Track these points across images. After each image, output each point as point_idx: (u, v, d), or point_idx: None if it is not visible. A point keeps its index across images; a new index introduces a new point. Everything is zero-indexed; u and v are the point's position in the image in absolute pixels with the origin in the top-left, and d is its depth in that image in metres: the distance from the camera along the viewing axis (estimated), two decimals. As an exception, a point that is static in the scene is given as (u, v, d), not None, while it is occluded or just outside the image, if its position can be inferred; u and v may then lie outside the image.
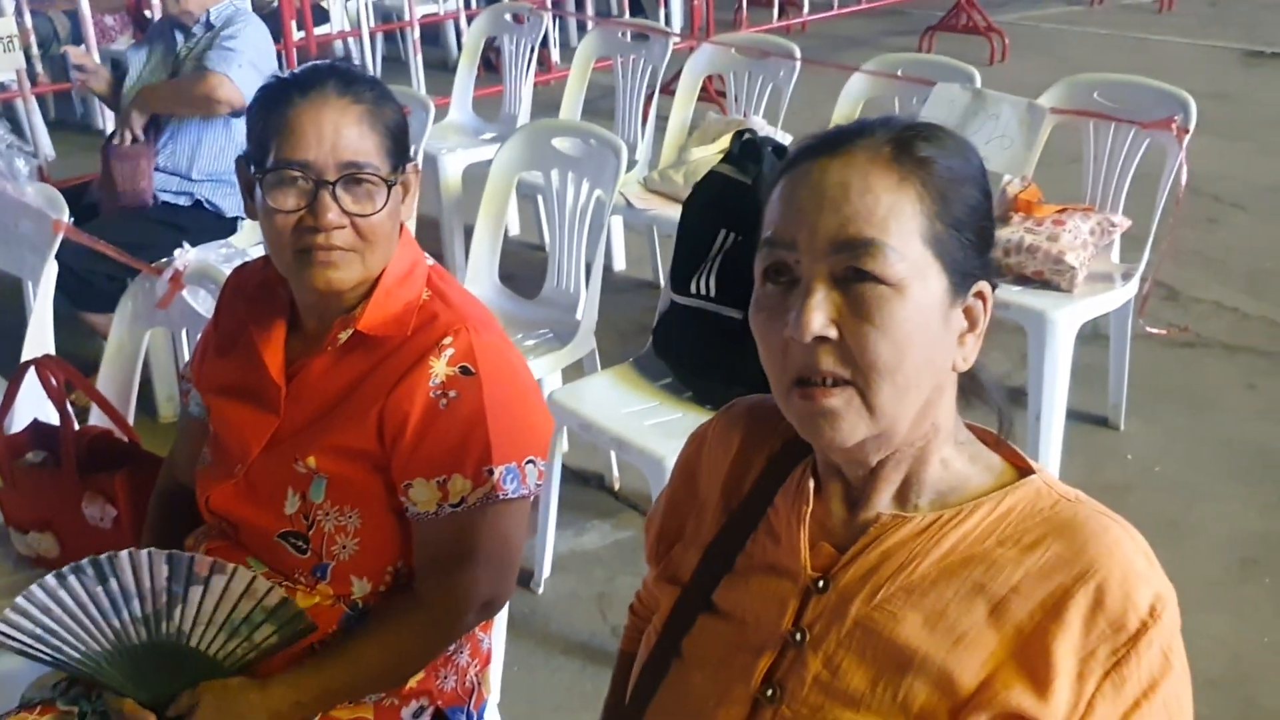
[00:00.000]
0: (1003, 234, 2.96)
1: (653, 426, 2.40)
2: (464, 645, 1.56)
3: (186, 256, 2.05)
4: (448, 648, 1.52)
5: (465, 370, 1.41)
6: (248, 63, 3.23)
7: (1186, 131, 2.86)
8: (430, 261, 1.54)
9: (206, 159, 3.31)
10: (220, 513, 1.52)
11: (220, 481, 1.52)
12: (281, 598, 1.40)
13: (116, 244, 2.65)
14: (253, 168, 1.41)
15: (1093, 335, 3.17)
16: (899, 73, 3.42)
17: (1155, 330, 3.60)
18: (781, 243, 0.95)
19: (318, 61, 1.46)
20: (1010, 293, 2.89)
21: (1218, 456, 3.10)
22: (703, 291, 2.53)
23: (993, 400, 1.05)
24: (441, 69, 6.96)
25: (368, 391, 1.43)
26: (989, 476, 1.01)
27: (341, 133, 1.37)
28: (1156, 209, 2.92)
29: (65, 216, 2.40)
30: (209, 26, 3.33)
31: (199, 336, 1.69)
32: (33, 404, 2.00)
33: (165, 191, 3.29)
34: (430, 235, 4.12)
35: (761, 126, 3.66)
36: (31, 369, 1.91)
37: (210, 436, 1.59)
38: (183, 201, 3.32)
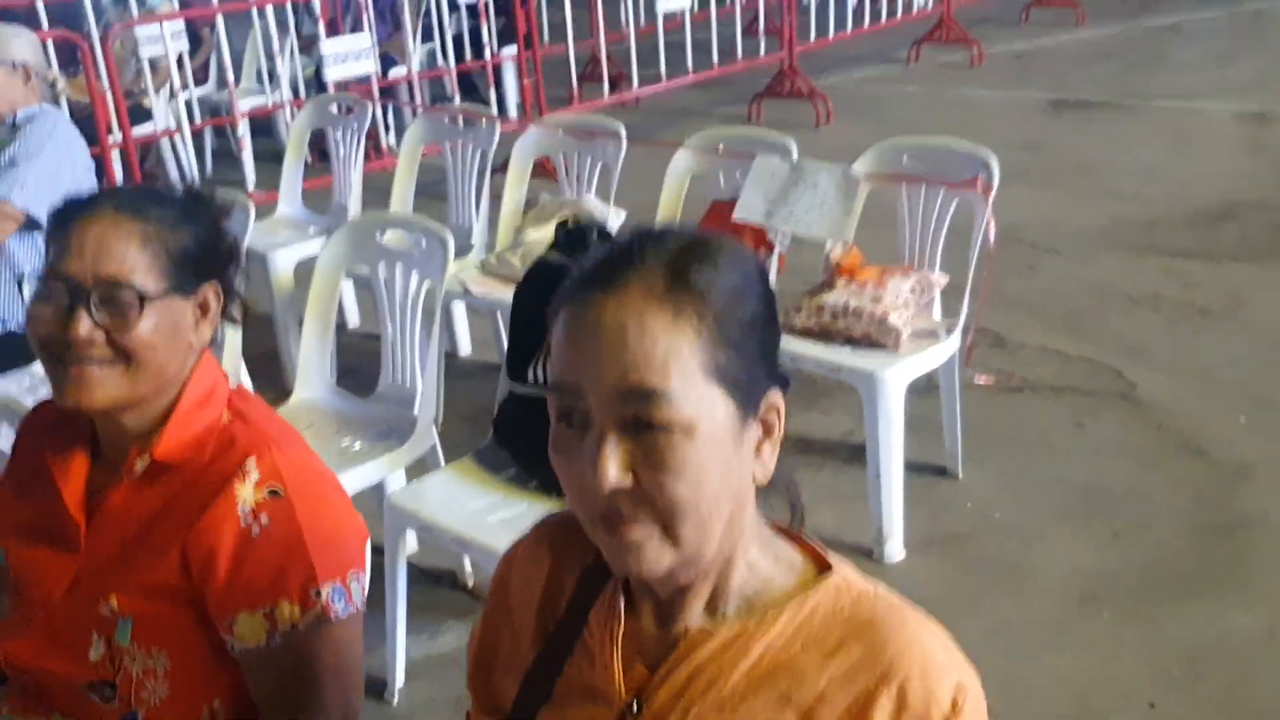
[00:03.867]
0: (829, 298, 3.05)
1: (498, 523, 2.37)
2: None
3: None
4: None
5: (274, 493, 1.38)
6: (36, 174, 3.09)
7: (991, 188, 2.99)
8: (234, 385, 1.51)
9: (15, 287, 3.18)
10: (21, 666, 1.45)
11: (20, 633, 1.45)
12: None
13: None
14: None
15: (926, 387, 3.27)
16: (720, 148, 3.49)
17: (982, 380, 3.73)
18: (568, 389, 0.95)
19: (126, 185, 1.45)
20: (841, 355, 2.97)
21: (1051, 497, 3.21)
22: (540, 379, 2.53)
23: (787, 494, 1.07)
24: (274, 160, 6.85)
25: (169, 524, 1.39)
26: (792, 576, 1.03)
27: (106, 248, 1.36)
28: (970, 263, 3.03)
29: None
30: (13, 127, 3.21)
31: None
32: None
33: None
34: (265, 334, 4.04)
35: (595, 205, 3.71)
36: None
37: (9, 585, 1.51)
38: (-9, 332, 3.19)
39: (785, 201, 3.24)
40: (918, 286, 3.07)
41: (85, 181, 3.28)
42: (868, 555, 3.00)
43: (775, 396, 0.99)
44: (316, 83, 6.78)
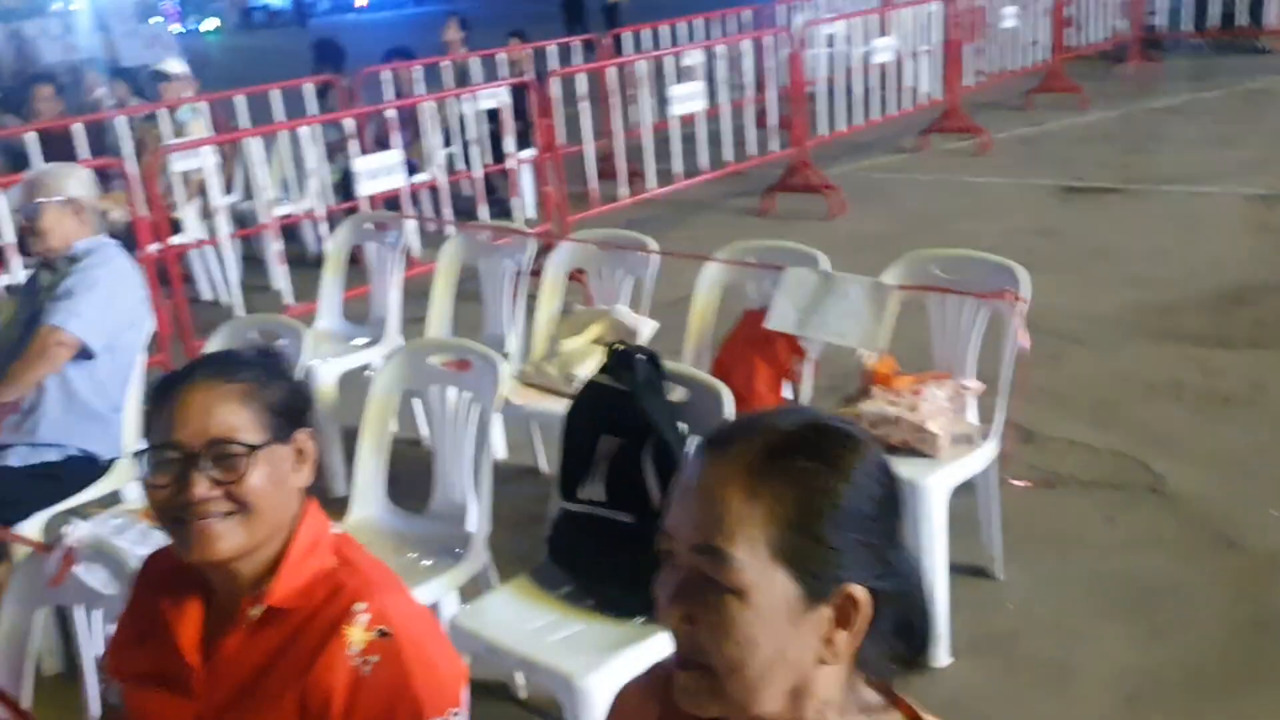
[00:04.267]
0: (866, 407, 3.13)
1: (558, 643, 2.43)
2: None
3: (78, 532, 2.04)
4: None
5: (383, 633, 1.47)
6: (91, 304, 3.23)
7: (1019, 299, 3.08)
8: (336, 529, 1.60)
9: (74, 413, 3.29)
10: None
11: None
12: None
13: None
14: (140, 456, 1.52)
15: (963, 485, 3.34)
16: (751, 259, 3.60)
17: (1019, 483, 3.79)
18: (665, 533, 1.08)
19: (211, 354, 1.57)
20: (881, 463, 3.03)
21: (1091, 594, 3.26)
22: (592, 497, 2.61)
23: (882, 673, 1.14)
24: (299, 264, 7.01)
25: (284, 669, 1.47)
26: None
27: (210, 411, 1.49)
28: (1002, 373, 3.12)
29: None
30: (72, 260, 3.34)
31: (113, 625, 1.71)
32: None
33: (40, 450, 3.25)
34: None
35: (627, 315, 3.81)
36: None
37: None
38: (52, 456, 3.28)
39: (817, 310, 3.34)
40: (954, 393, 3.15)
41: (138, 311, 3.40)
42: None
43: (856, 590, 1.04)
44: (342, 189, 6.96)
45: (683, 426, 2.52)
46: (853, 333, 3.28)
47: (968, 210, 7.25)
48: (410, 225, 4.34)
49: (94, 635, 2.06)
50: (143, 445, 1.53)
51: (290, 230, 7.47)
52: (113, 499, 3.50)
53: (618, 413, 2.56)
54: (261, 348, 1.67)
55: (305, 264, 6.92)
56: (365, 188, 5.47)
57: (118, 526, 2.06)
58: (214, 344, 3.33)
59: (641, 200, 7.69)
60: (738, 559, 1.01)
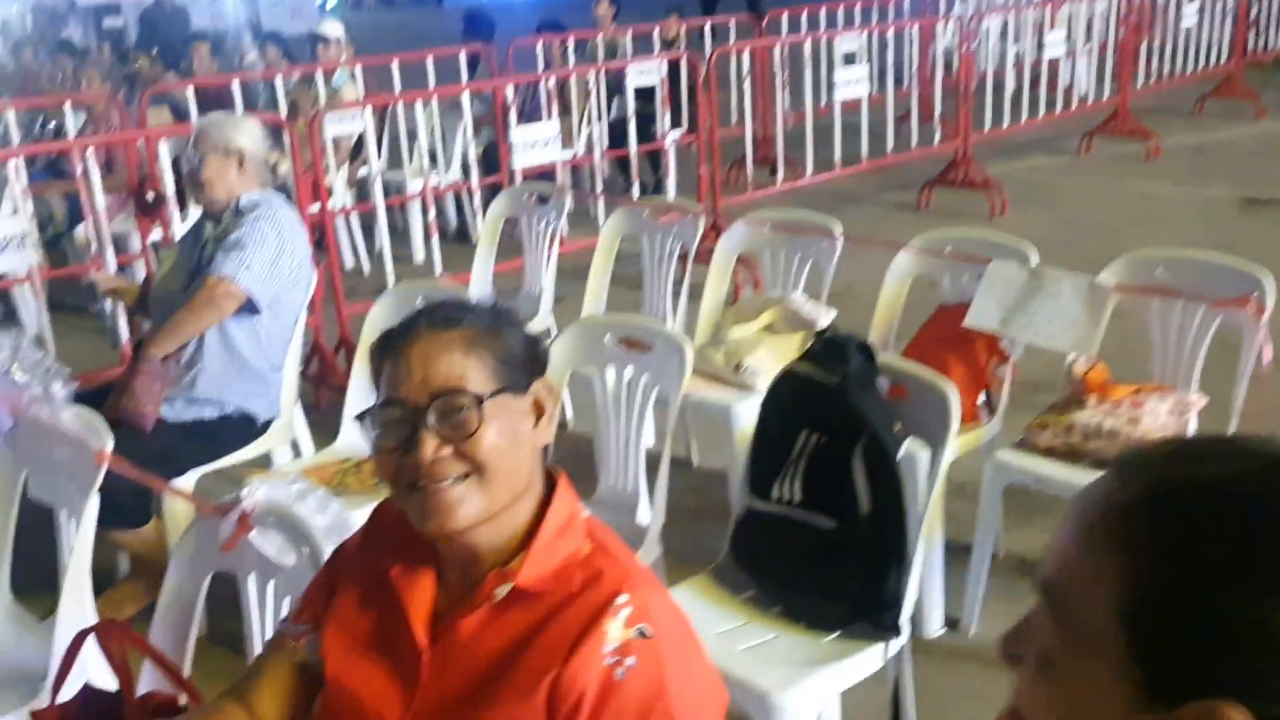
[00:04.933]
0: (1080, 417, 2.85)
1: (747, 652, 2.22)
2: None
3: (255, 495, 1.88)
4: None
5: (642, 632, 1.27)
6: (261, 259, 3.11)
7: (1265, 309, 2.77)
8: (586, 512, 1.40)
9: (234, 370, 3.18)
10: None
11: None
12: None
13: (141, 457, 2.49)
14: (363, 414, 1.36)
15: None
16: (947, 250, 3.33)
17: None
18: None
19: (432, 299, 1.42)
20: (1089, 479, 2.75)
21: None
22: (787, 498, 2.38)
23: None
24: (440, 236, 6.94)
25: (536, 658, 1.28)
26: None
27: (433, 362, 1.33)
28: (1237, 390, 2.81)
29: (108, 445, 2.23)
30: (238, 212, 3.22)
31: (317, 573, 1.56)
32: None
33: (197, 406, 3.15)
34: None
35: (803, 304, 3.57)
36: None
37: (328, 703, 1.43)
38: (209, 413, 3.17)
39: (1024, 310, 3.06)
40: (1176, 408, 2.86)
41: (303, 270, 3.27)
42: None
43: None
44: (485, 163, 6.85)
45: (898, 428, 2.28)
46: (1064, 336, 3.00)
47: (1139, 219, 6.83)
48: (565, 200, 4.14)
49: (266, 607, 1.90)
50: (364, 408, 1.36)
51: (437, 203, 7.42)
52: (264, 461, 3.39)
53: (823, 407, 2.33)
54: (492, 304, 1.47)
55: (445, 238, 6.85)
56: (521, 159, 5.31)
57: (297, 492, 1.90)
58: (378, 310, 3.19)
59: (790, 189, 7.43)
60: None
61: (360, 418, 1.35)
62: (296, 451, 3.50)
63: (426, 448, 1.29)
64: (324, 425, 3.60)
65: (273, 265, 3.13)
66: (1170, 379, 2.98)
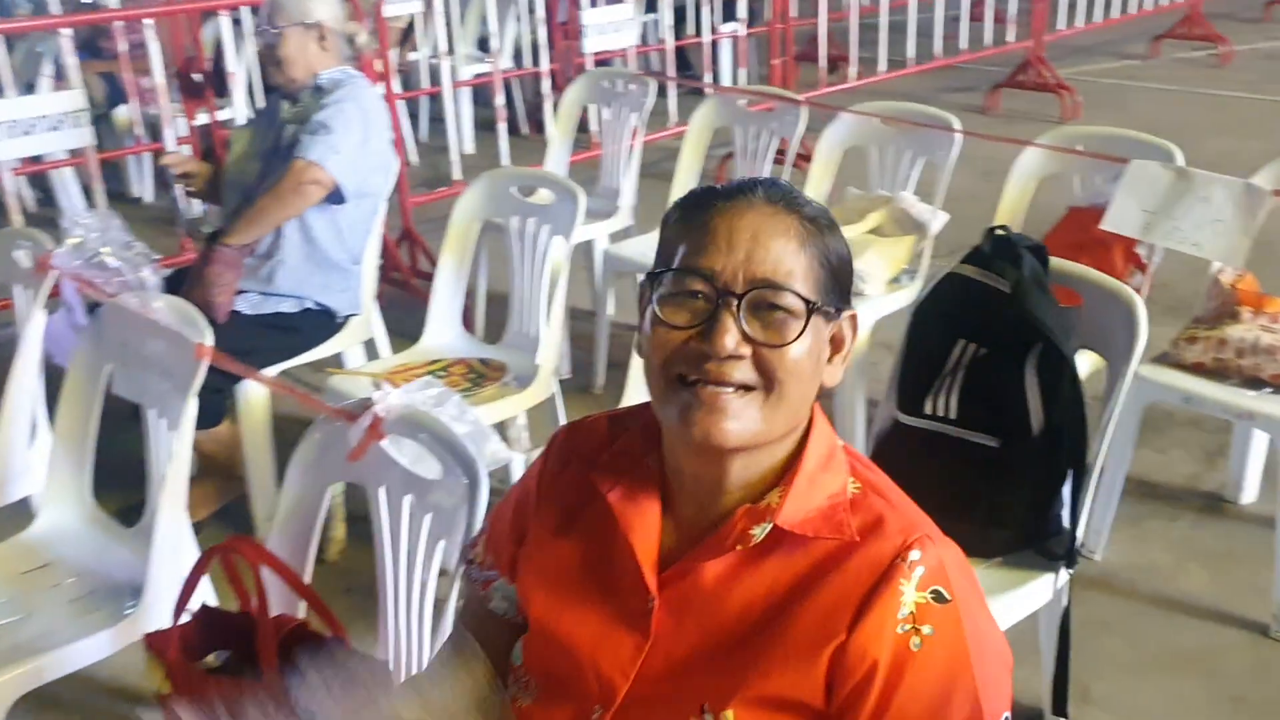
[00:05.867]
0: (1233, 332, 2.63)
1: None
2: None
3: (389, 400, 1.68)
4: None
5: (939, 596, 1.06)
6: (350, 144, 2.87)
7: None
8: (841, 442, 1.19)
9: (314, 261, 2.96)
10: None
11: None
12: None
13: (219, 350, 2.29)
14: (647, 280, 1.13)
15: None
16: (1079, 147, 3.08)
17: None
18: None
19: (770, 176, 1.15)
20: (1255, 400, 2.55)
21: None
22: (941, 413, 2.18)
23: None
24: (488, 129, 6.68)
25: (810, 619, 1.07)
26: None
27: (761, 241, 1.08)
28: None
29: (209, 339, 2.03)
30: (318, 90, 2.97)
31: (502, 501, 1.33)
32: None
33: (274, 300, 2.95)
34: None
35: (914, 204, 3.34)
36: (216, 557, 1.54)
37: (533, 651, 1.23)
38: (288, 307, 2.96)
39: (1169, 215, 2.82)
40: (1337, 324, 2.64)
41: (388, 154, 3.04)
42: (1263, 632, 2.59)
43: None
44: (531, 52, 6.54)
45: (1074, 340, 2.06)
46: (1213, 244, 2.76)
47: (1217, 126, 6.52)
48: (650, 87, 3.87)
49: (400, 526, 1.70)
50: (662, 267, 1.12)
51: (481, 93, 7.12)
52: (337, 361, 3.19)
53: (991, 315, 2.11)
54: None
55: (490, 129, 6.58)
56: (594, 43, 5.00)
57: (435, 397, 1.70)
58: (473, 197, 2.99)
59: (845, 90, 7.11)
60: None
61: (652, 276, 1.12)
62: (371, 352, 3.30)
63: (728, 337, 1.06)
64: (388, 324, 3.40)
65: (360, 150, 2.89)
66: (1326, 293, 2.77)
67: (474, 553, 1.32)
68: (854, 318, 1.15)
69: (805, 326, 1.08)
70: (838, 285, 1.12)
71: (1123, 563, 2.83)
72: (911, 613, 1.05)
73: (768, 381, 1.08)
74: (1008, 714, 1.08)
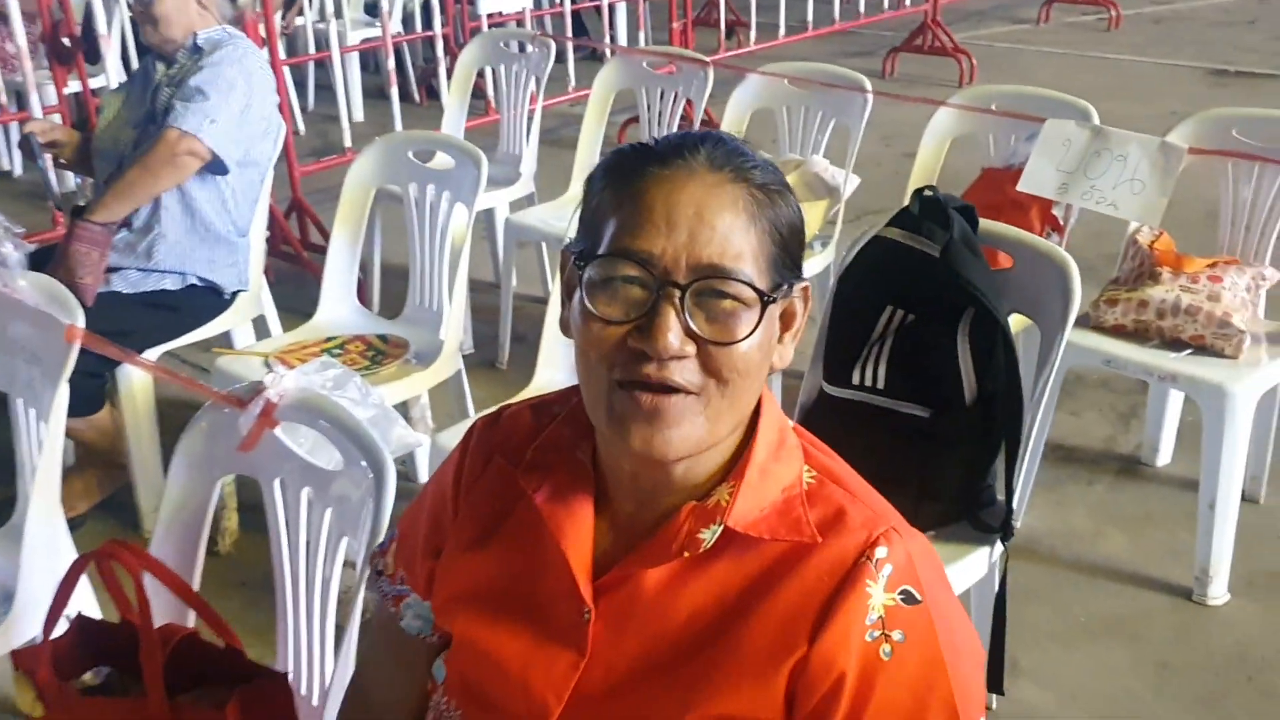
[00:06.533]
0: (1154, 293, 2.60)
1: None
2: None
3: (283, 383, 1.52)
4: None
5: (909, 597, 0.95)
6: (227, 111, 2.67)
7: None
8: (792, 423, 1.07)
9: (196, 235, 2.76)
10: None
11: None
12: None
13: (94, 332, 2.10)
14: (576, 259, 0.96)
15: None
16: (993, 106, 3.02)
17: None
18: None
19: (691, 131, 1.00)
20: (1177, 362, 2.52)
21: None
22: (869, 383, 2.09)
23: None
24: (378, 97, 6.47)
25: (767, 629, 0.95)
26: None
27: (706, 219, 0.92)
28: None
29: (80, 320, 1.84)
30: (196, 51, 2.76)
31: (413, 506, 1.18)
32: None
33: (155, 276, 2.74)
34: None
35: (824, 167, 3.25)
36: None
37: (456, 669, 1.09)
38: (170, 284, 2.76)
39: (1085, 175, 2.77)
40: (1252, 284, 2.62)
41: (273, 119, 2.84)
42: (1185, 596, 2.57)
43: None
44: (423, 16, 6.33)
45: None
46: (1128, 204, 2.72)
47: (1112, 89, 6.58)
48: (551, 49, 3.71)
49: (298, 522, 1.56)
50: (585, 254, 0.96)
51: (369, 60, 6.91)
52: (226, 340, 3.00)
53: (917, 279, 2.02)
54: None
55: (383, 96, 6.38)
56: (488, 4, 4.82)
57: (334, 379, 1.55)
58: (366, 163, 2.82)
59: (743, 55, 7.02)
60: None
61: (580, 260, 0.96)
62: (261, 330, 3.11)
63: (670, 334, 0.91)
64: (277, 300, 3.21)
65: (241, 117, 2.69)
66: (1239, 252, 2.75)
67: (382, 562, 1.18)
68: (806, 289, 1.02)
69: (759, 321, 0.94)
70: (790, 257, 0.98)
71: (1044, 529, 2.80)
72: (880, 617, 0.93)
73: (715, 382, 0.94)
74: (983, 716, 0.98)
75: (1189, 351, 2.55)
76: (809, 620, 0.93)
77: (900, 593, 0.94)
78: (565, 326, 1.00)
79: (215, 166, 2.68)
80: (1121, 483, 3.00)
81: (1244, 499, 2.86)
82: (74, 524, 2.32)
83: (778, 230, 0.96)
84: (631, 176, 0.95)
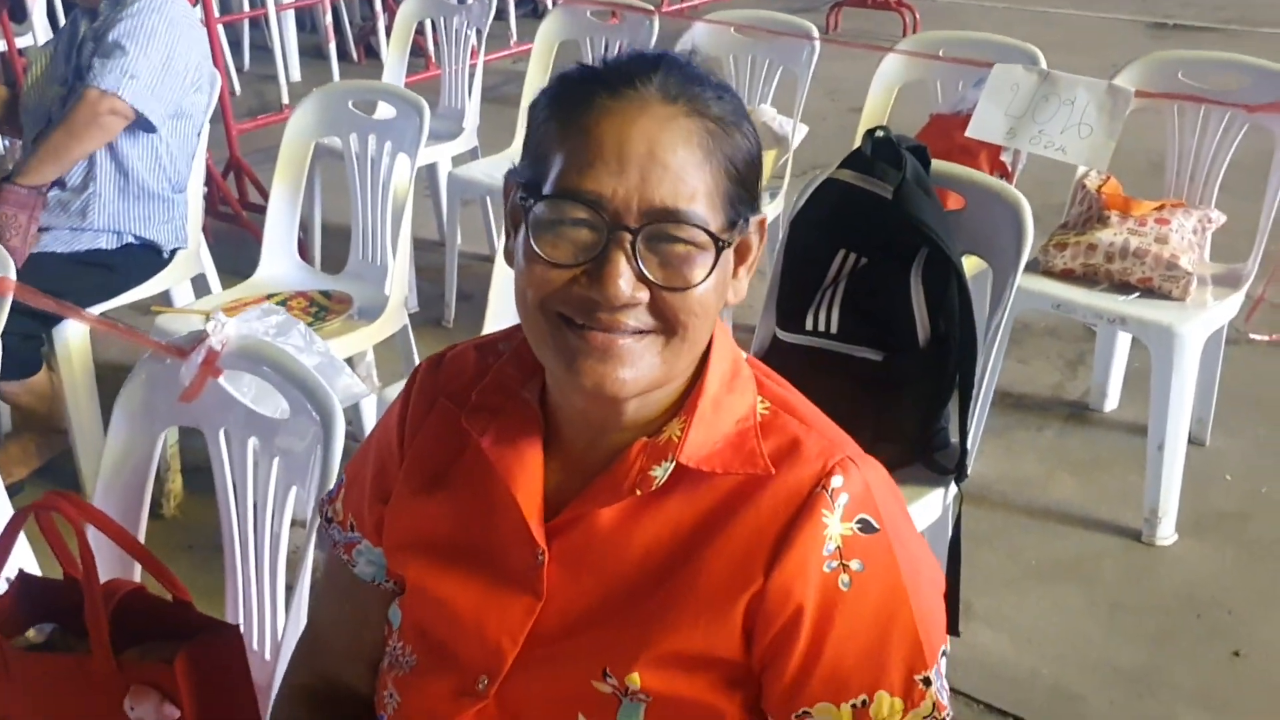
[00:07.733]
0: (1103, 236, 2.60)
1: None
2: None
3: (224, 330, 1.47)
4: None
5: (866, 525, 0.93)
6: (148, 64, 2.58)
7: (1304, 113, 2.54)
8: (746, 355, 1.04)
9: (130, 194, 2.68)
10: None
11: (452, 701, 0.99)
12: None
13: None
14: (520, 193, 0.91)
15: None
16: (940, 53, 3.01)
17: (1260, 337, 3.27)
18: None
19: (648, 51, 0.95)
20: (1124, 304, 2.53)
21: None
22: (823, 328, 2.07)
23: None
24: (315, 56, 6.35)
25: (721, 564, 0.92)
26: None
27: (659, 157, 0.87)
28: (1271, 201, 2.60)
29: (12, 272, 1.78)
30: (117, 2, 2.67)
31: (359, 452, 1.14)
32: None
33: (89, 235, 2.66)
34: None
35: (771, 116, 3.22)
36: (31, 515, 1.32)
37: (410, 616, 1.06)
38: (105, 243, 2.68)
39: (1033, 120, 2.77)
40: (1199, 226, 2.64)
41: (203, 69, 2.76)
42: (1135, 537, 2.60)
43: None
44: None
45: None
46: (1075, 149, 2.72)
47: (1055, 43, 6.49)
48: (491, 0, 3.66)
49: (245, 473, 1.51)
50: (529, 186, 0.91)
51: (306, 19, 6.76)
52: (165, 299, 2.92)
53: (870, 222, 2.00)
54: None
55: (321, 56, 6.28)
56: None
57: (277, 325, 1.50)
58: (304, 116, 2.75)
59: (688, 7, 6.96)
60: None
61: (525, 201, 0.90)
62: (201, 289, 3.03)
63: (621, 281, 0.87)
64: (217, 262, 3.13)
65: (163, 71, 2.60)
66: (1185, 194, 2.76)
67: (331, 509, 1.14)
68: (763, 222, 0.98)
69: (714, 265, 0.90)
70: (746, 191, 0.94)
71: (995, 475, 2.81)
72: (838, 547, 0.91)
73: (669, 325, 0.90)
74: (945, 647, 0.97)
75: (1137, 294, 2.57)
76: (764, 553, 0.91)
77: (857, 521, 0.92)
78: (510, 257, 0.96)
79: (143, 124, 2.60)
80: (1070, 428, 3.02)
81: (1190, 441, 2.90)
82: (12, 491, 2.26)
83: (734, 165, 0.91)
84: (579, 106, 0.89)
